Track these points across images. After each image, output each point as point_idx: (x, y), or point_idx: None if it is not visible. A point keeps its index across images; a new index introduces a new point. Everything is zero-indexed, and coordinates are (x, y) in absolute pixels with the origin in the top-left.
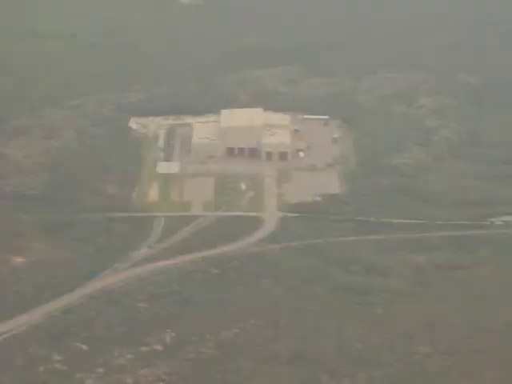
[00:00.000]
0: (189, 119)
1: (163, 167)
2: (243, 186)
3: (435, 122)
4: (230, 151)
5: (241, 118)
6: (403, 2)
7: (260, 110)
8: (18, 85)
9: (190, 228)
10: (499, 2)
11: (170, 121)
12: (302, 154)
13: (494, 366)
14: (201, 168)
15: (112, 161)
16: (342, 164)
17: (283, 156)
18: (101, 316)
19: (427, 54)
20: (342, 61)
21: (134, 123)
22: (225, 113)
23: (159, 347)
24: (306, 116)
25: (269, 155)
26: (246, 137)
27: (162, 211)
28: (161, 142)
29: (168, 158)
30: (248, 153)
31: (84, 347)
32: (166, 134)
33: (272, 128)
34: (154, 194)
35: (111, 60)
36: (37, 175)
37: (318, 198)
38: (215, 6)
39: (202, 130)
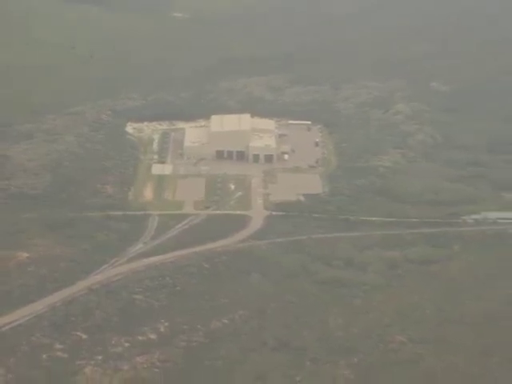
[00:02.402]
0: (181, 124)
1: (157, 169)
2: (232, 187)
3: (410, 127)
4: (220, 154)
5: (229, 123)
6: (383, 14)
7: (247, 115)
8: (21, 92)
9: (182, 225)
10: (475, 13)
11: (164, 126)
12: (286, 157)
13: (463, 353)
14: (192, 170)
15: (110, 163)
16: (324, 166)
17: (269, 158)
18: (99, 307)
19: (403, 63)
20: (323, 70)
21: (130, 128)
22: (215, 118)
23: (154, 336)
24: (290, 121)
25: (256, 158)
26: (235, 140)
27: (156, 210)
28: (155, 146)
29: (162, 161)
30: (236, 155)
31: (84, 336)
32: (160, 138)
33: (259, 132)
34: (148, 193)
35: (109, 69)
36: (40, 176)
37: (302, 198)
38: (207, 18)
39: (194, 134)
